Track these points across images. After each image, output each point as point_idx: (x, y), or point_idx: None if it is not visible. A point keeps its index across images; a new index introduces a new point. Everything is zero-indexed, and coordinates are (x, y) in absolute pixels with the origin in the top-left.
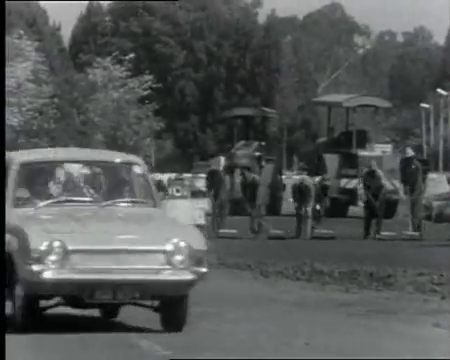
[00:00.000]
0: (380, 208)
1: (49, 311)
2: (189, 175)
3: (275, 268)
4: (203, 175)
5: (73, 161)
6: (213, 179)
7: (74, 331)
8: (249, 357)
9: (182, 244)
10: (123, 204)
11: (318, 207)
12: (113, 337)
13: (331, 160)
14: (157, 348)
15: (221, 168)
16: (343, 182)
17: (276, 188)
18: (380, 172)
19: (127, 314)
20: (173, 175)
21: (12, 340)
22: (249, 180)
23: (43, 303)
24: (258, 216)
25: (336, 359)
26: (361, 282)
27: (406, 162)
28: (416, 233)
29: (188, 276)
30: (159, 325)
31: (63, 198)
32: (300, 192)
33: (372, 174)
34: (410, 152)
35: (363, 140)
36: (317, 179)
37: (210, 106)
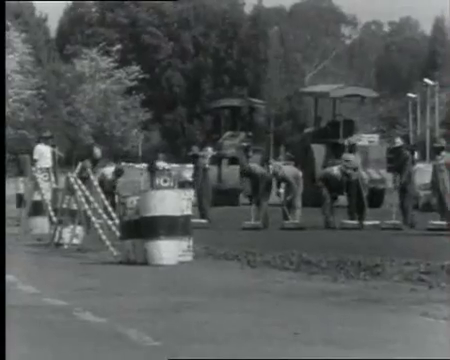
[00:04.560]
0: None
1: (32, 303)
2: (177, 165)
3: (262, 258)
4: (190, 165)
5: None
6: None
7: (58, 322)
8: (237, 347)
9: None
10: None
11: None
12: (99, 326)
13: (318, 150)
14: (145, 338)
15: (207, 158)
16: None
17: None
18: (334, 169)
19: (115, 302)
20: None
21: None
22: (248, 170)
23: None
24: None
25: (324, 348)
26: (348, 272)
27: (395, 151)
28: (398, 222)
29: None
30: (148, 314)
31: None
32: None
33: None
34: (399, 141)
35: (350, 130)
36: (335, 169)
37: (197, 97)
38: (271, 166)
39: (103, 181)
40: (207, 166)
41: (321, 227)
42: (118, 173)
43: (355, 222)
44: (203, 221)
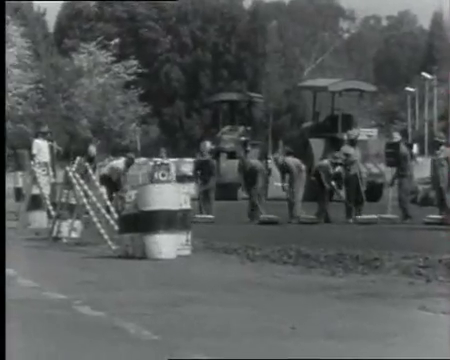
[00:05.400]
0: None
1: (31, 297)
2: (175, 160)
3: (261, 252)
4: (189, 159)
5: None
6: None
7: (57, 316)
8: (235, 341)
9: None
10: None
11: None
12: (98, 320)
13: (317, 144)
14: (144, 332)
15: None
16: None
17: None
18: (325, 161)
19: (113, 296)
20: (159, 160)
21: None
22: (249, 166)
23: None
24: (258, 202)
25: (323, 342)
26: (347, 266)
27: (393, 146)
28: (395, 216)
29: None
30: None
31: None
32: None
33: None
34: (397, 136)
35: (349, 124)
36: (326, 161)
37: (196, 91)
38: (270, 160)
39: (111, 175)
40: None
41: (336, 221)
42: (129, 162)
43: (373, 216)
44: (210, 217)
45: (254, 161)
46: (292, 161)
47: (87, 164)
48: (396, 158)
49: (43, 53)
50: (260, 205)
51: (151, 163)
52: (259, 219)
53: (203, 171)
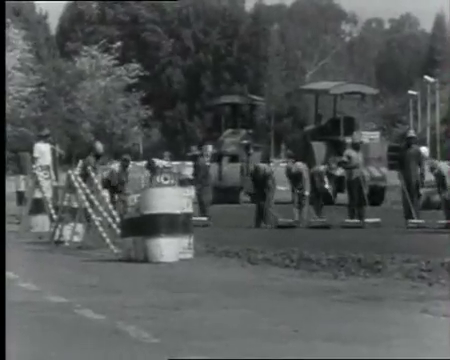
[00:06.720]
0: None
1: (33, 300)
2: (177, 163)
3: (263, 255)
4: (190, 163)
5: None
6: (196, 165)
7: (58, 319)
8: (237, 344)
9: None
10: None
11: (329, 191)
12: (98, 323)
13: (318, 147)
14: (145, 335)
15: (208, 155)
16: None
17: None
18: (321, 167)
19: (115, 300)
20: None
21: None
22: (261, 171)
23: None
24: (268, 207)
25: (324, 345)
26: (349, 269)
27: (407, 143)
28: (421, 221)
29: None
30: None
31: None
32: (295, 179)
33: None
34: (412, 133)
35: (350, 127)
36: (322, 167)
37: (197, 94)
38: (272, 164)
39: (111, 178)
40: (208, 164)
41: (338, 226)
42: (125, 164)
43: (357, 221)
44: (203, 219)
45: (263, 165)
46: (303, 168)
47: (89, 167)
48: (410, 158)
49: (45, 56)
50: (272, 210)
51: (145, 162)
52: (276, 223)
53: (194, 168)
